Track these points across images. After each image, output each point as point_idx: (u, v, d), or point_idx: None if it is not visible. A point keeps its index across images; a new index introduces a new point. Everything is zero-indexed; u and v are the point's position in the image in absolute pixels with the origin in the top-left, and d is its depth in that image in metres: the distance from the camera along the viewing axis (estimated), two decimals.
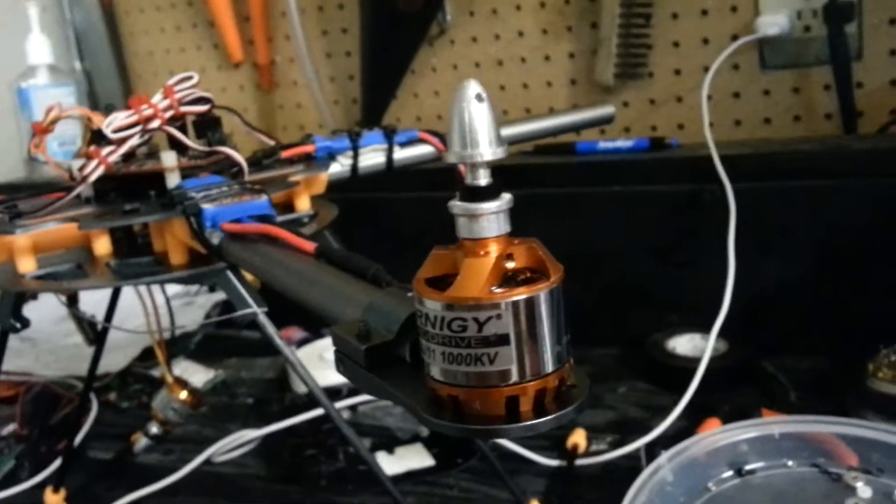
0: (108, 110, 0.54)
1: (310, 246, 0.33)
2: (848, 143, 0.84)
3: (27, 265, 0.49)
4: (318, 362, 0.87)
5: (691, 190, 0.81)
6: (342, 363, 0.25)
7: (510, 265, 0.20)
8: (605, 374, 0.84)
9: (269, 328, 0.47)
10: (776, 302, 0.82)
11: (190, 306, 1.08)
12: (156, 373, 0.92)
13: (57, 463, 0.76)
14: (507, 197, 0.21)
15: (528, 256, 0.21)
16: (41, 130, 0.53)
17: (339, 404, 0.81)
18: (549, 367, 0.20)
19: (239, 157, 0.50)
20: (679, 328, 0.83)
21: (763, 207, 0.78)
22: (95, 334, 0.68)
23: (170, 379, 0.76)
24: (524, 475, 0.68)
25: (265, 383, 0.92)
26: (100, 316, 0.67)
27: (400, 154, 0.60)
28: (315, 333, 0.97)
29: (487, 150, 0.21)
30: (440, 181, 0.51)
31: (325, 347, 0.89)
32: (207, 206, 0.40)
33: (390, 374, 0.23)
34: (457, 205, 0.21)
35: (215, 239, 0.41)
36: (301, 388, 0.85)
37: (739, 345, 0.79)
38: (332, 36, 1.18)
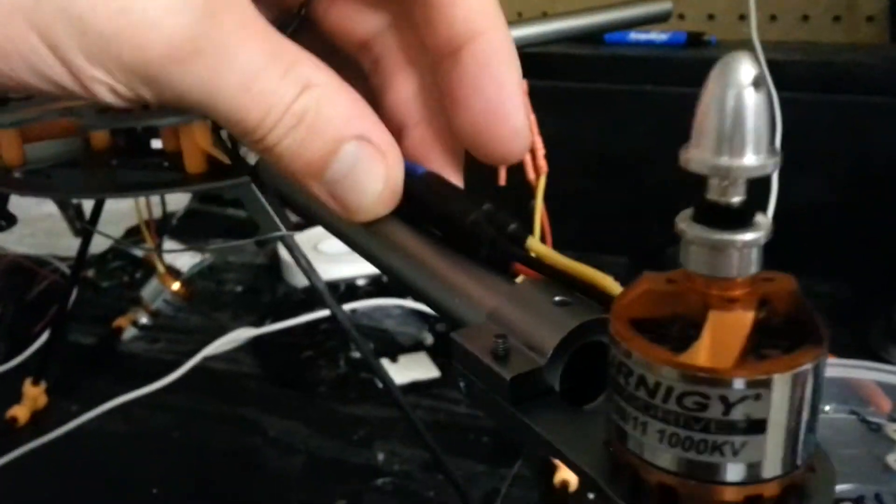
0: None
1: None
2: None
3: (15, 158, 0.43)
4: (314, 253, 0.81)
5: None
6: (469, 389, 0.20)
7: (761, 314, 0.15)
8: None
9: (298, 253, 0.42)
10: (803, 222, 0.77)
11: None
12: (138, 252, 0.86)
13: (34, 347, 0.71)
14: (764, 222, 0.15)
15: (787, 302, 0.15)
16: None
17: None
18: (801, 460, 0.15)
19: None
20: None
21: (807, 120, 0.73)
22: (82, 222, 0.62)
23: (161, 268, 0.71)
24: None
25: (255, 269, 0.87)
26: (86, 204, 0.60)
27: None
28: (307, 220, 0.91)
29: (754, 159, 0.14)
30: None
31: (320, 237, 0.83)
32: None
33: (538, 411, 0.18)
34: (694, 229, 0.15)
35: (252, 158, 0.34)
36: (297, 282, 0.80)
37: None
38: None
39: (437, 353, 0.70)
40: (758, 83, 0.14)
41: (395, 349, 0.71)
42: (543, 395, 0.19)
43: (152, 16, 0.19)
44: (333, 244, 0.85)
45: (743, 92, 0.14)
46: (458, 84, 0.24)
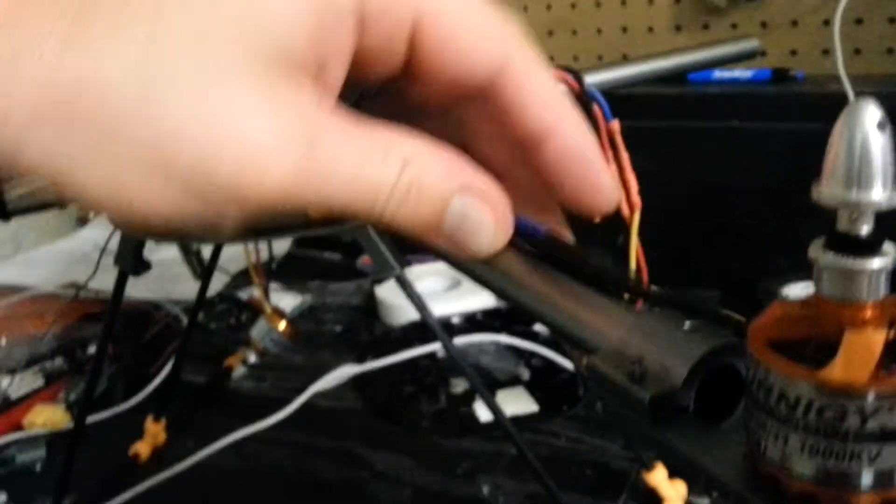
0: None
1: None
2: None
3: None
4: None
5: (818, 129, 0.76)
6: (607, 409, 0.22)
7: (891, 334, 0.17)
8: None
9: (413, 290, 0.44)
10: None
11: None
12: (242, 294, 0.90)
13: (151, 387, 0.75)
14: (891, 250, 0.17)
15: None
16: None
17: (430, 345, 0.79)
18: None
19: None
20: (790, 275, 0.79)
21: None
22: (202, 266, 0.66)
23: (268, 309, 0.74)
24: None
25: (351, 310, 0.90)
26: (205, 249, 0.64)
27: None
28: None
29: (881, 194, 0.16)
30: None
31: (416, 276, 0.86)
32: None
33: (676, 429, 0.20)
34: (827, 257, 0.17)
35: None
36: (394, 320, 0.83)
37: None
38: None
39: (535, 388, 0.71)
40: (882, 125, 0.16)
41: (492, 385, 0.73)
42: (678, 414, 0.20)
43: (261, 167, 0.21)
44: (427, 283, 0.88)
45: (869, 133, 0.16)
46: (545, 169, 0.27)
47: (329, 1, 0.22)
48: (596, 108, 0.55)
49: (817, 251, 0.17)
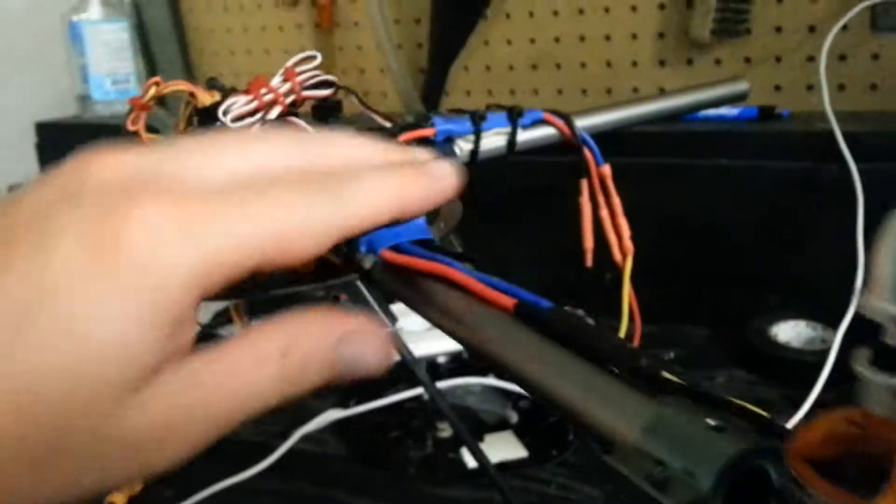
0: (210, 86, 0.49)
1: (508, 301, 0.28)
2: None
3: None
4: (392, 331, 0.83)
5: (806, 168, 0.76)
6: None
7: None
8: (699, 358, 0.79)
9: (404, 344, 0.43)
10: None
11: None
12: (224, 332, 0.88)
13: None
14: None
15: None
16: (140, 107, 0.48)
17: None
18: None
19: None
20: (779, 313, 0.78)
21: (887, 192, 0.73)
22: None
23: None
24: None
25: None
26: None
27: (522, 137, 0.55)
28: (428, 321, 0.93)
29: None
30: None
31: (399, 313, 0.84)
32: None
33: None
34: (874, 374, 0.16)
35: (367, 263, 0.36)
36: None
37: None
38: None
39: (523, 432, 0.70)
40: None
41: (480, 428, 0.71)
42: None
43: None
44: (412, 321, 0.87)
45: None
46: None
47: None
48: (587, 152, 0.55)
49: (863, 366, 0.16)
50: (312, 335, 0.26)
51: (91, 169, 0.24)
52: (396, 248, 0.35)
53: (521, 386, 0.26)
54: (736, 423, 0.20)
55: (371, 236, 0.35)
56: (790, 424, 0.64)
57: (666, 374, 0.22)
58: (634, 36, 0.99)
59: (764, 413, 0.20)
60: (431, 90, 1.06)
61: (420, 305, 0.33)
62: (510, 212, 0.90)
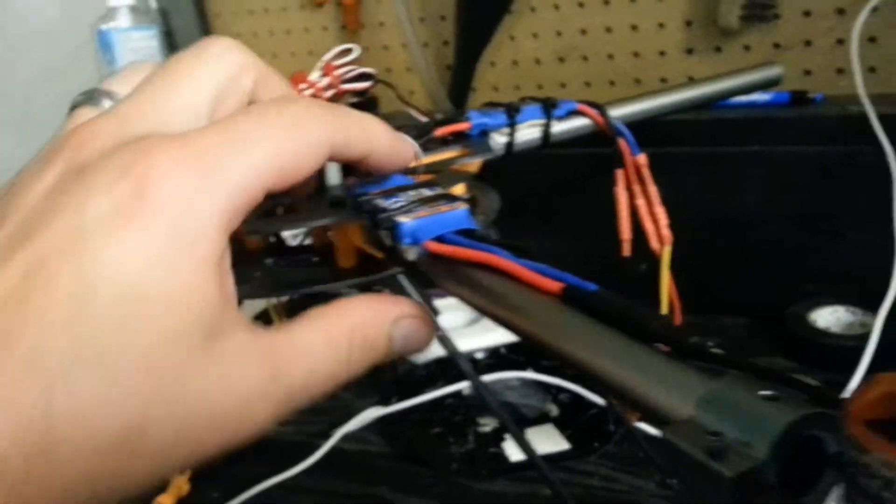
0: None
1: (555, 286, 0.28)
2: None
3: None
4: None
5: (841, 151, 0.75)
6: (685, 482, 0.20)
7: None
8: (738, 348, 0.79)
9: (448, 336, 0.43)
10: None
11: None
12: None
13: None
14: None
15: None
16: None
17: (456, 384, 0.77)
18: None
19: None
20: (818, 300, 0.78)
21: None
22: None
23: None
24: None
25: None
26: None
27: (557, 128, 0.55)
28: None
29: None
30: None
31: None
32: (404, 220, 0.35)
33: None
34: None
35: (411, 255, 0.36)
36: (416, 358, 0.82)
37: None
38: None
39: (565, 425, 0.70)
40: None
41: (521, 422, 0.71)
42: (762, 491, 0.19)
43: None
44: (447, 318, 0.87)
45: None
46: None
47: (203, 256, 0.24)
48: (622, 142, 0.55)
49: None
50: (372, 318, 0.28)
51: (83, 143, 0.24)
52: (441, 239, 0.35)
53: (574, 369, 0.26)
54: (789, 393, 0.20)
55: (415, 228, 0.35)
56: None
57: (715, 350, 0.22)
58: (661, 25, 0.98)
59: (816, 382, 0.20)
60: (458, 87, 1.07)
61: (468, 295, 0.33)
62: (544, 204, 0.90)
